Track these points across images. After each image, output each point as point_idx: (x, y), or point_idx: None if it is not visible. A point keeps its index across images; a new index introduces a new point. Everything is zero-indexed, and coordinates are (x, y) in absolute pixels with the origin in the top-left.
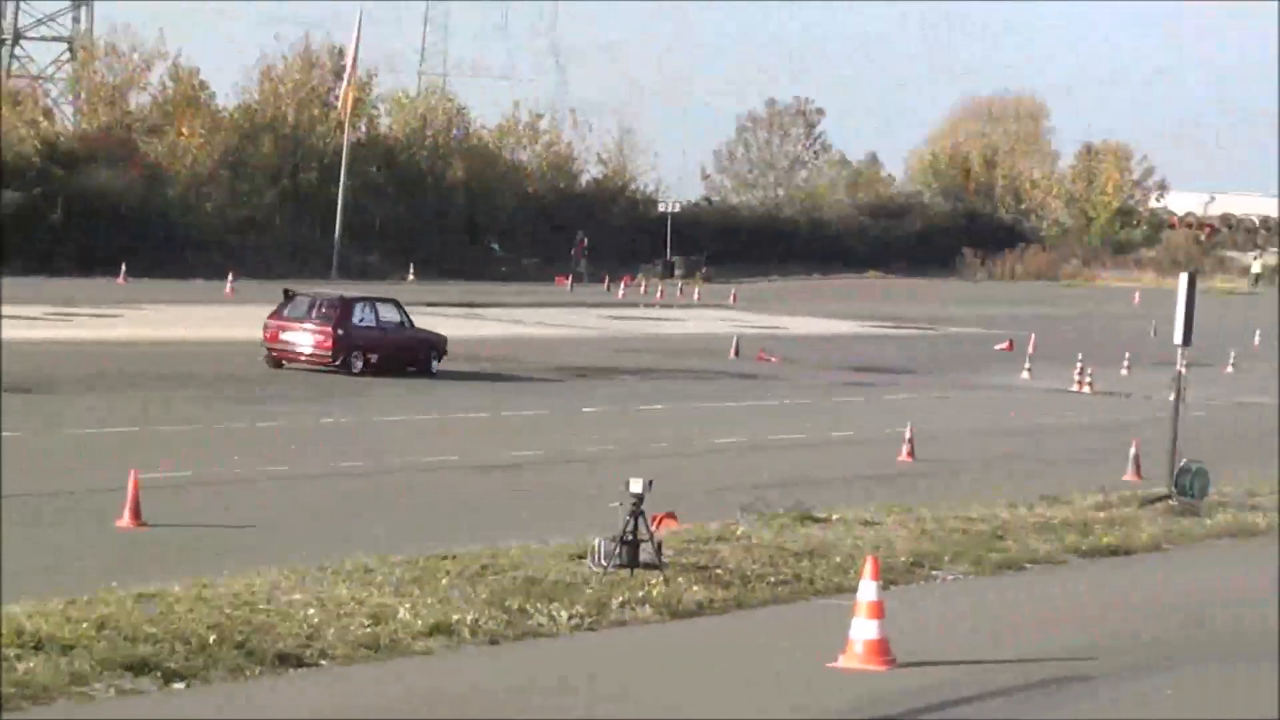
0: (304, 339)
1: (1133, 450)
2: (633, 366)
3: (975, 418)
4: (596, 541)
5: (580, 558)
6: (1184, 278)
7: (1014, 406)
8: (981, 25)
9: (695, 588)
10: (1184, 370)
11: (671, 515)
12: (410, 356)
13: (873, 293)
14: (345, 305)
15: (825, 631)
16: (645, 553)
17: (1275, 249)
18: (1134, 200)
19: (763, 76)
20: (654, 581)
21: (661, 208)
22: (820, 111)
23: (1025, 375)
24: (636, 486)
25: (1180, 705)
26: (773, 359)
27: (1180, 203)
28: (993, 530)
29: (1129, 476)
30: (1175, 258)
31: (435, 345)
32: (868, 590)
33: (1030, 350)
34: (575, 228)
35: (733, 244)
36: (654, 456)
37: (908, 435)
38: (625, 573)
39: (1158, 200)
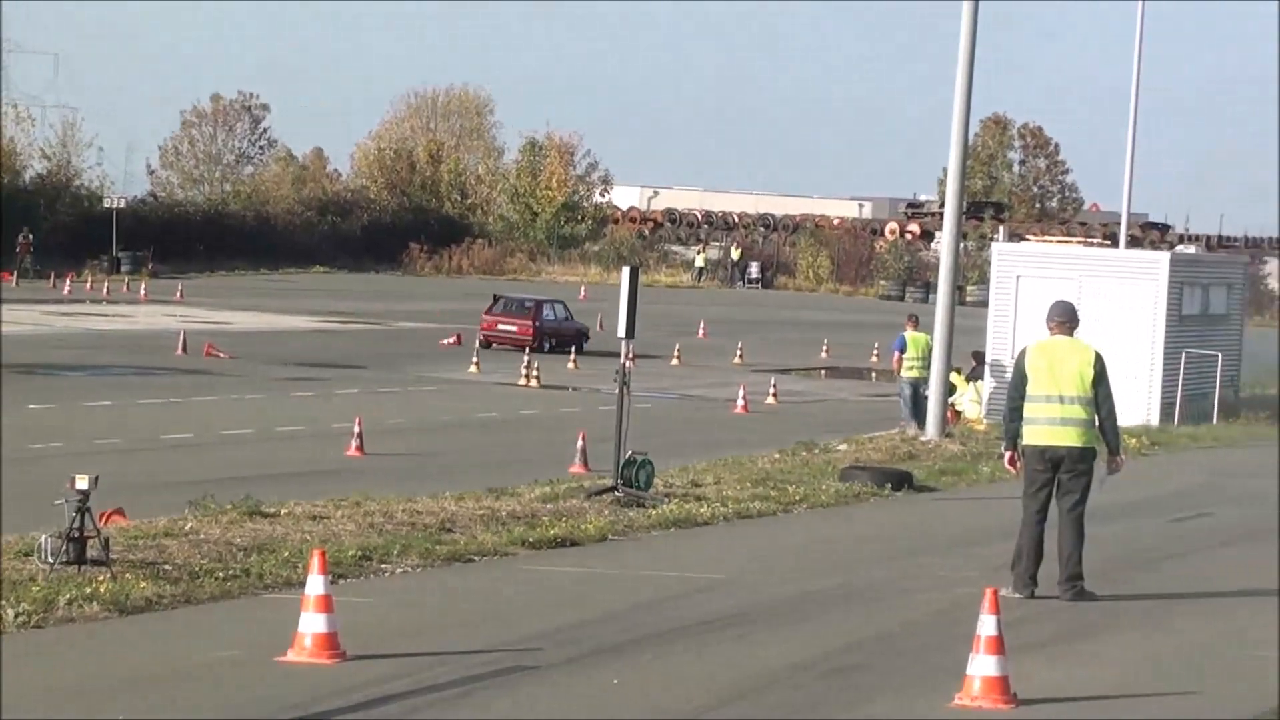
0: (513, 328)
1: (579, 443)
2: (79, 363)
3: (424, 412)
4: (43, 538)
5: (27, 555)
6: (627, 271)
7: (462, 400)
8: (427, 21)
9: (143, 584)
10: (629, 363)
11: (119, 511)
12: (573, 340)
13: (320, 288)
14: (538, 305)
15: (274, 626)
16: (93, 549)
17: (718, 244)
18: (579, 195)
19: (208, 72)
20: (101, 578)
21: (107, 203)
22: (265, 107)
23: (473, 369)
24: (82, 483)
25: (625, 692)
26: (221, 354)
27: (624, 197)
28: (440, 523)
29: (576, 469)
30: (620, 252)
31: (584, 333)
32: (315, 584)
33: (478, 344)
34: (19, 224)
35: (179, 240)
36: (102, 453)
37: (356, 429)
38: (73, 569)
39: (602, 195)
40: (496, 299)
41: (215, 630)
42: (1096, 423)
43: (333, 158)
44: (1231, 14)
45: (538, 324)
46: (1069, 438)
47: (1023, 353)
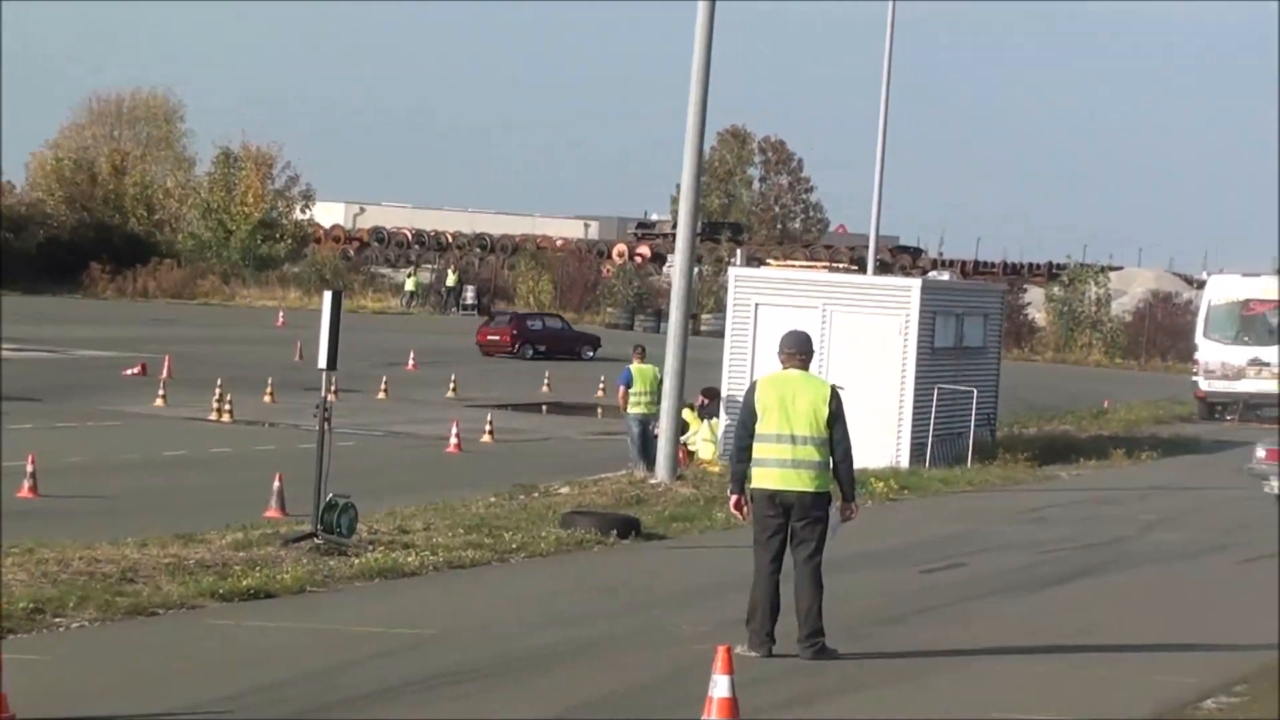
0: (497, 336)
1: (276, 484)
2: None
3: (105, 449)
4: None
5: None
6: (328, 296)
7: (148, 436)
8: (110, 18)
9: None
10: (332, 397)
11: None
12: (568, 348)
13: None
14: (518, 317)
15: None
16: None
17: (430, 266)
18: (277, 212)
19: None
20: None
21: None
22: None
23: (159, 402)
24: None
25: None
26: None
27: (327, 214)
28: (122, 572)
29: (272, 513)
30: (322, 274)
31: (590, 341)
32: None
33: (165, 375)
34: None
35: None
36: None
37: (29, 468)
38: None
39: (303, 212)
40: (492, 316)
41: None
42: (831, 465)
43: (5, 168)
44: (996, 19)
45: (515, 331)
46: (801, 482)
47: (752, 387)
